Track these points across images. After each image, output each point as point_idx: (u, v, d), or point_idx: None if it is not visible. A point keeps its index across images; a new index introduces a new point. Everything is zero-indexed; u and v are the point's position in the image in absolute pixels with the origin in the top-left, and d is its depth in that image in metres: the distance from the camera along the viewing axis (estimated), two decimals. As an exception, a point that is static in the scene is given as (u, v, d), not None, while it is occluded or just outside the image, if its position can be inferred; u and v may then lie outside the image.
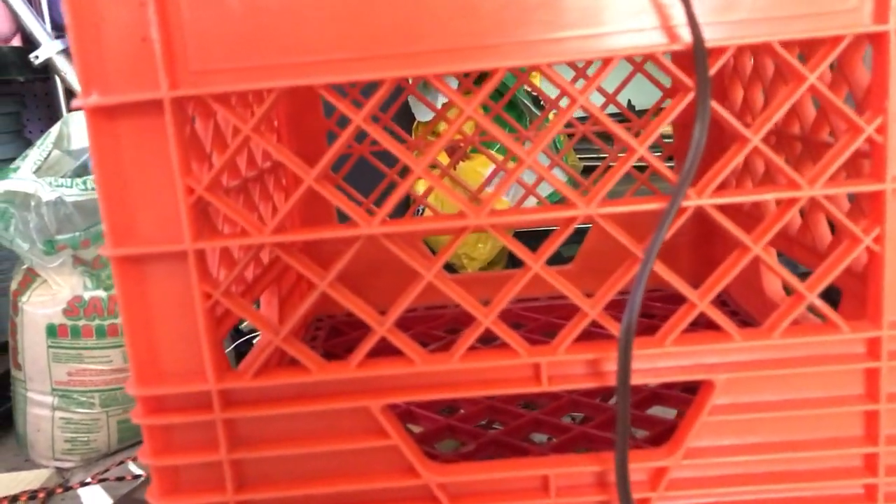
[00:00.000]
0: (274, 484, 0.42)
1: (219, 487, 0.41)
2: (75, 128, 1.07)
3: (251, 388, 0.41)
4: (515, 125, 0.80)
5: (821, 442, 0.42)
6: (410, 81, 0.76)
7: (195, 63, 0.36)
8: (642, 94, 0.85)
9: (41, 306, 0.99)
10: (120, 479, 0.94)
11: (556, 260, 0.69)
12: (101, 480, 0.93)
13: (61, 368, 1.00)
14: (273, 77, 0.36)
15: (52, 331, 0.99)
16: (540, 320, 0.71)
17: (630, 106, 0.79)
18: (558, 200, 1.03)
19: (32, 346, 1.00)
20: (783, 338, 0.40)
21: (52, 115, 1.21)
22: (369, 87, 0.75)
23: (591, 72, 0.77)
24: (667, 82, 0.73)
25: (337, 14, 0.36)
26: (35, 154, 1.01)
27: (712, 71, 0.36)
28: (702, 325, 0.43)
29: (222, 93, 0.37)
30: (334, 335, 0.73)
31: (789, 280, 0.40)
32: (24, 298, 1.00)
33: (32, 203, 0.95)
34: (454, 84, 1.11)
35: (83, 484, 0.92)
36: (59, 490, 0.93)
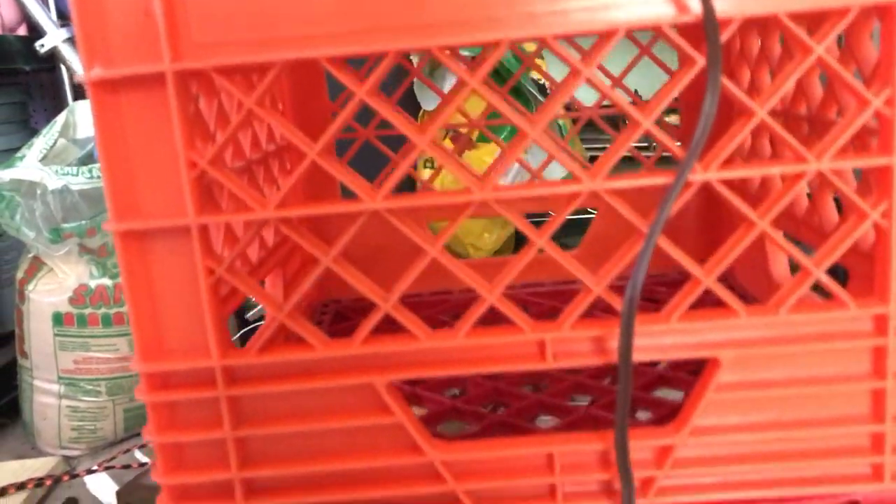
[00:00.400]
0: (278, 461, 0.42)
1: (223, 464, 0.41)
2: (81, 116, 1.07)
3: (255, 365, 0.41)
4: (521, 109, 0.80)
5: (827, 420, 0.41)
6: (416, 63, 0.76)
7: (198, 35, 0.36)
8: (648, 82, 0.84)
9: (47, 294, 1.00)
10: (126, 466, 0.94)
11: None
12: (107, 468, 0.93)
13: (67, 357, 1.00)
14: (276, 49, 0.36)
15: (58, 319, 0.99)
16: (544, 305, 0.71)
17: (637, 95, 0.78)
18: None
19: (39, 334, 1.00)
20: (790, 314, 0.40)
21: (58, 107, 1.22)
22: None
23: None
24: (674, 65, 0.72)
25: (340, -14, 0.36)
26: (41, 142, 1.01)
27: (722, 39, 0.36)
28: (708, 304, 0.43)
29: (225, 66, 0.37)
30: (339, 320, 0.73)
31: (796, 255, 0.39)
32: (30, 287, 1.00)
33: (38, 191, 0.95)
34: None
35: (89, 471, 0.92)
36: (66, 477, 0.93)
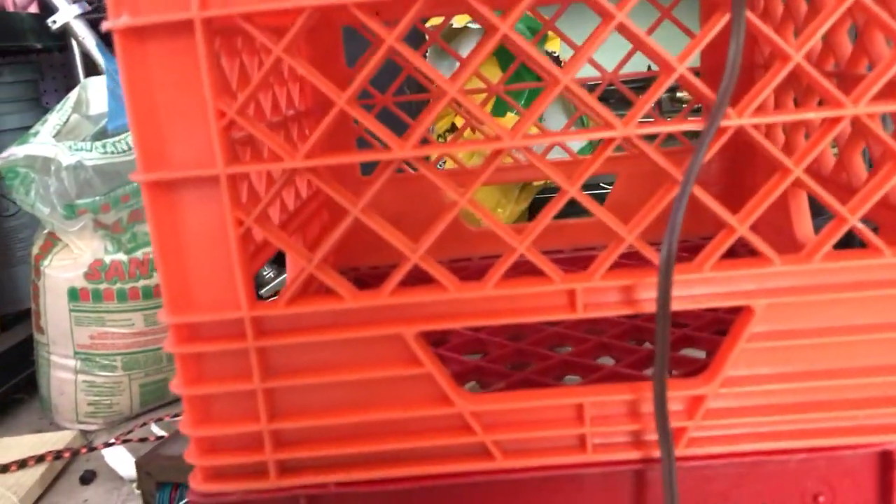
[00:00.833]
0: (307, 413, 0.41)
1: (252, 416, 0.41)
2: (94, 92, 1.06)
3: (284, 317, 0.41)
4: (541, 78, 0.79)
5: (860, 370, 0.41)
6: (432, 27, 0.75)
7: (227, -20, 0.36)
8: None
9: (63, 270, 1.00)
10: (143, 440, 0.95)
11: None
12: (124, 441, 0.93)
13: (83, 332, 1.01)
14: (305, -7, 0.36)
15: (73, 294, 1.00)
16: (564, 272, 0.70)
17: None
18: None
19: (55, 309, 1.01)
20: (823, 262, 0.39)
21: (70, 85, 1.21)
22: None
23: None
24: (696, 28, 0.72)
25: (370, -73, 0.35)
26: (54, 118, 1.01)
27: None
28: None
29: (253, 12, 0.36)
30: (358, 287, 0.73)
31: (830, 202, 0.39)
32: (45, 262, 1.01)
33: (52, 167, 0.95)
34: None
35: (107, 444, 0.93)
36: (84, 450, 0.94)
